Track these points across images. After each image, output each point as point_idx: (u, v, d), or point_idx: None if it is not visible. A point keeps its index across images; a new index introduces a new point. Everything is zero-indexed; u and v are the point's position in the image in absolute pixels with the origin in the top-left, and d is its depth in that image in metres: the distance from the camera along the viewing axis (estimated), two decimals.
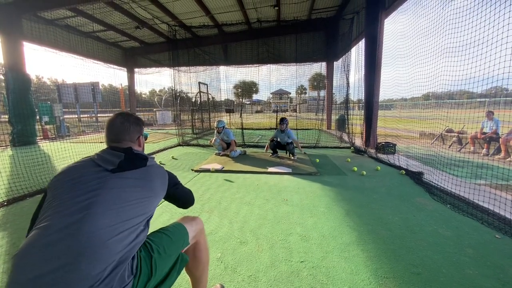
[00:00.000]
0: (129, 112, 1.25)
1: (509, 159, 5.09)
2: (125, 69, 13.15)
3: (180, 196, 1.28)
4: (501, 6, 2.73)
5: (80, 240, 0.76)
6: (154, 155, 5.89)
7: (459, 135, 6.86)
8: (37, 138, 8.34)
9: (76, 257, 0.74)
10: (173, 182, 1.21)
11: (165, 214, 2.60)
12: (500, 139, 5.40)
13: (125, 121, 1.13)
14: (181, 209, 2.69)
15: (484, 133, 5.91)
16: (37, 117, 9.17)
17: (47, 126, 10.18)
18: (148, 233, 1.05)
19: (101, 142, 8.27)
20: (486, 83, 3.08)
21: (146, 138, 1.32)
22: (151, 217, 1.03)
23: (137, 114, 14.27)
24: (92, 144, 7.62)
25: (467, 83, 3.30)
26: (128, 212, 0.89)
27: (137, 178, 0.99)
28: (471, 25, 3.17)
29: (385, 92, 6.19)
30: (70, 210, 0.82)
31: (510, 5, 2.62)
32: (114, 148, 1.05)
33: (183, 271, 1.24)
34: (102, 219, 0.82)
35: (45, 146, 7.25)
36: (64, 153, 5.44)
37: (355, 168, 4.32)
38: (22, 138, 7.43)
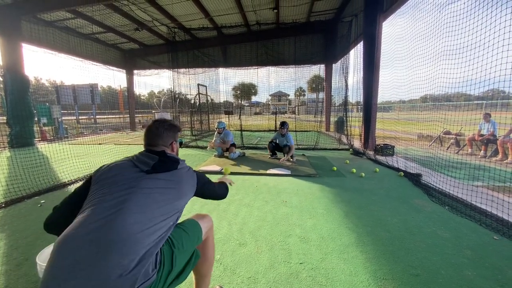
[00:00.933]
0: (166, 119, 1.34)
1: (506, 161, 5.12)
2: (124, 70, 13.13)
3: (209, 194, 1.39)
4: (497, 10, 2.76)
5: (113, 231, 0.84)
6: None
7: (457, 137, 6.89)
8: (35, 139, 8.30)
9: (108, 247, 0.81)
10: (201, 183, 1.30)
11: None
12: (498, 141, 5.44)
13: (160, 126, 1.24)
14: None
15: (482, 135, 5.94)
16: (35, 119, 9.14)
17: (45, 128, 10.14)
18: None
19: (99, 144, 8.25)
20: (483, 86, 3.12)
21: (181, 144, 1.40)
22: (179, 218, 1.11)
23: (136, 115, 14.21)
24: (91, 146, 7.61)
25: (465, 85, 3.33)
26: (156, 210, 0.97)
27: (168, 179, 1.08)
28: (468, 28, 3.20)
29: (383, 94, 6.23)
30: (108, 204, 0.92)
31: (506, 8, 2.66)
32: (149, 151, 1.16)
33: None
34: (133, 214, 0.90)
35: (43, 147, 7.22)
36: (62, 154, 5.43)
37: (354, 170, 4.33)
38: (20, 139, 7.39)
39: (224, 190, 1.53)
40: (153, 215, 0.95)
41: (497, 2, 2.78)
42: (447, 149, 6.92)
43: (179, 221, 1.21)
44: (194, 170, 1.29)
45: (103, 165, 1.11)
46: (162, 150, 1.18)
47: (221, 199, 1.51)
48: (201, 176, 1.32)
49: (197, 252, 1.19)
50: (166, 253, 0.98)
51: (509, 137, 5.27)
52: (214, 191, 1.43)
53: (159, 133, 1.22)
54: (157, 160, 1.10)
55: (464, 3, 3.31)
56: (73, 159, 5.01)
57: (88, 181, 1.07)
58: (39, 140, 8.94)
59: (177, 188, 1.09)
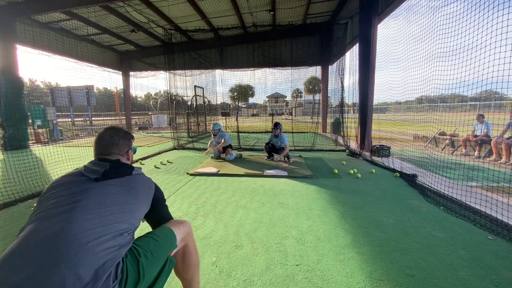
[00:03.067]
0: (118, 126, 1.29)
1: (500, 161, 5.18)
2: (120, 72, 13.07)
3: (161, 212, 1.24)
4: (489, 12, 2.80)
5: (60, 243, 0.77)
6: (143, 160, 5.84)
7: (452, 138, 6.96)
8: (29, 142, 8.21)
9: (56, 261, 0.73)
10: (159, 193, 1.23)
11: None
12: (491, 141, 5.50)
13: (114, 135, 1.18)
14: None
15: (476, 136, 6.01)
16: (30, 121, 9.03)
17: (40, 130, 10.02)
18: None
19: None
20: (477, 87, 3.15)
21: (135, 152, 1.35)
22: (135, 229, 1.02)
23: (132, 117, 14.14)
24: (86, 148, 7.54)
25: (459, 86, 3.37)
26: (110, 217, 0.90)
27: (121, 185, 1.02)
28: (462, 30, 3.24)
29: (379, 96, 6.32)
30: (51, 216, 0.84)
31: (499, 11, 2.70)
32: (101, 159, 1.10)
33: (174, 275, 1.26)
34: (82, 223, 0.83)
35: (38, 150, 7.14)
36: (57, 157, 5.37)
37: (351, 171, 4.34)
38: (14, 142, 7.30)
39: (169, 217, 1.28)
40: (105, 223, 0.88)
41: (489, 5, 2.83)
42: (442, 150, 6.99)
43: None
44: (153, 182, 1.22)
45: (51, 182, 1.04)
46: (117, 159, 1.13)
47: (161, 223, 1.23)
48: (159, 188, 1.24)
49: (171, 259, 1.13)
50: (130, 263, 0.91)
51: (502, 138, 5.33)
52: (166, 212, 1.27)
53: (113, 141, 1.16)
54: (108, 166, 1.04)
55: (457, 5, 3.36)
56: (68, 162, 4.96)
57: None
58: (33, 143, 8.85)
59: (131, 194, 1.03)
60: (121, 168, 1.08)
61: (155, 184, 1.23)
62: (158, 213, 1.24)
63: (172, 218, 1.30)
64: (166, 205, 1.30)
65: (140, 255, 0.97)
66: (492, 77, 2.71)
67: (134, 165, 1.20)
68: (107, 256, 0.82)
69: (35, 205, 2.95)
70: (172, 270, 1.18)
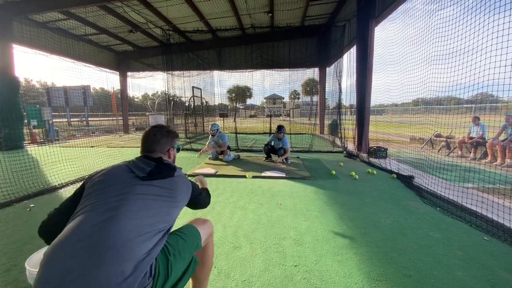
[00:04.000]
0: (164, 125, 1.33)
1: (495, 163, 5.24)
2: (118, 72, 13.01)
3: (198, 204, 1.40)
4: (485, 16, 2.85)
5: (106, 238, 0.81)
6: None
7: (448, 139, 7.04)
8: (25, 142, 8.13)
9: (102, 254, 0.78)
10: (195, 192, 1.30)
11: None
12: (487, 143, 5.57)
13: (158, 133, 1.23)
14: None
15: (471, 138, 6.08)
16: (25, 121, 8.95)
17: (36, 130, 9.92)
18: None
19: (91, 146, 8.11)
20: (472, 90, 3.19)
21: (178, 150, 1.39)
22: (172, 226, 1.07)
23: (129, 118, 14.05)
24: (83, 149, 7.47)
25: (455, 89, 3.41)
26: (151, 217, 0.95)
27: (164, 187, 1.06)
28: (458, 33, 3.29)
29: (376, 98, 6.33)
30: (101, 210, 0.89)
31: (494, 15, 2.74)
32: (146, 157, 1.15)
33: None
34: (127, 220, 0.88)
35: (33, 150, 7.07)
36: (53, 157, 5.32)
37: (353, 173, 4.32)
38: (9, 142, 7.22)
39: (209, 198, 1.53)
40: (147, 222, 0.92)
41: (485, 9, 2.87)
42: (438, 151, 7.06)
43: (177, 227, 1.20)
44: (190, 180, 1.28)
45: (100, 170, 1.09)
46: (159, 157, 1.17)
47: (204, 207, 1.49)
48: (195, 186, 1.32)
49: (195, 259, 1.16)
50: (161, 261, 0.95)
51: (498, 140, 5.40)
52: (204, 200, 1.44)
53: (156, 139, 1.21)
54: (154, 166, 1.09)
55: (453, 9, 3.41)
56: (64, 162, 4.92)
57: (83, 186, 1.05)
58: (29, 143, 8.75)
59: (172, 196, 1.08)
60: (164, 169, 1.11)
61: (192, 184, 1.28)
62: (195, 205, 1.38)
63: (208, 196, 1.50)
64: (201, 193, 1.39)
65: (170, 253, 1.00)
66: (488, 80, 2.75)
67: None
68: (147, 253, 0.86)
69: (32, 205, 2.93)
70: None
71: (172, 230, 1.11)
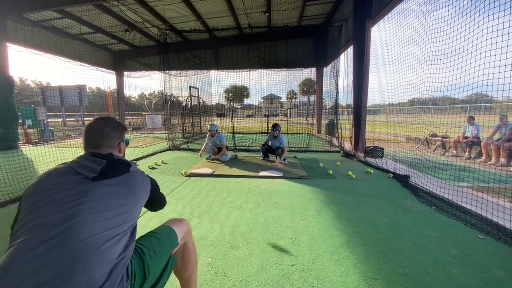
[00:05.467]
0: (109, 117, 1.19)
1: (489, 162, 5.31)
2: (114, 72, 12.91)
3: (159, 200, 1.32)
4: (479, 16, 2.88)
5: (70, 249, 0.74)
6: (136, 162, 5.77)
7: (443, 139, 7.10)
8: (19, 142, 8.03)
9: (69, 267, 0.72)
10: (155, 187, 1.23)
11: (154, 219, 2.55)
12: (481, 143, 5.64)
13: (105, 126, 1.10)
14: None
15: (466, 138, 6.15)
16: (20, 121, 8.84)
17: (30, 130, 9.82)
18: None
19: None
20: (467, 90, 3.23)
21: (127, 144, 1.28)
22: (136, 226, 1.00)
23: (125, 118, 13.96)
24: (78, 149, 7.41)
25: (450, 89, 3.45)
26: (114, 219, 0.88)
27: (120, 184, 0.97)
28: (452, 34, 3.32)
29: (373, 98, 6.37)
30: (53, 221, 0.79)
31: (489, 16, 2.77)
32: (94, 155, 1.02)
33: (172, 274, 1.24)
34: (89, 227, 0.80)
35: (28, 150, 6.98)
36: (48, 157, 5.26)
37: (350, 173, 4.34)
38: (4, 142, 7.12)
39: (165, 200, 1.41)
40: (111, 225, 0.85)
41: (479, 10, 2.90)
42: (433, 151, 7.12)
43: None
44: (149, 176, 1.20)
45: (34, 180, 0.95)
46: (108, 153, 1.05)
47: (161, 209, 1.39)
48: (154, 182, 1.23)
49: (173, 257, 1.13)
50: (136, 263, 0.92)
51: (492, 139, 5.47)
52: (163, 198, 1.36)
53: (104, 133, 1.08)
54: (105, 164, 0.98)
55: (448, 10, 3.44)
56: (59, 162, 4.86)
57: (19, 207, 0.89)
58: (24, 143, 8.65)
59: (131, 193, 1.00)
60: (118, 166, 1.01)
61: (150, 178, 1.20)
62: (155, 204, 1.30)
63: (164, 197, 1.37)
64: (160, 194, 1.32)
65: (144, 254, 0.97)
66: (483, 80, 2.78)
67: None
68: (118, 257, 0.82)
69: None
70: None
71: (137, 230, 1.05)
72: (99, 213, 0.85)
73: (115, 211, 0.89)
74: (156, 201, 1.29)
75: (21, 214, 0.84)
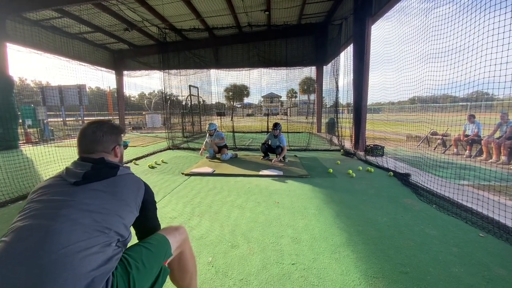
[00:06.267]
0: (103, 120, 1.16)
1: (490, 160, 5.30)
2: (113, 71, 12.89)
3: (151, 217, 1.16)
4: (480, 14, 2.86)
5: (40, 262, 0.69)
6: (136, 161, 5.76)
7: (443, 137, 7.09)
8: (19, 142, 8.02)
9: (38, 282, 0.66)
10: (150, 198, 1.12)
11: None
12: (482, 141, 5.62)
13: (97, 130, 1.06)
14: (168, 220, 2.65)
15: (467, 136, 6.13)
16: (20, 121, 8.84)
17: (30, 130, 9.81)
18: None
19: None
20: (468, 88, 3.22)
21: (126, 147, 1.24)
22: (127, 234, 0.95)
23: (125, 117, 13.96)
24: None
25: (450, 87, 3.43)
26: (94, 226, 0.82)
27: (104, 189, 0.93)
28: (453, 32, 3.30)
29: (373, 96, 6.38)
30: (29, 232, 0.75)
31: (489, 13, 2.76)
32: (83, 159, 1.00)
33: (170, 282, 1.22)
34: (65, 236, 0.75)
35: (28, 150, 6.98)
36: (48, 157, 5.26)
37: (350, 171, 4.33)
38: (3, 142, 7.13)
39: (158, 224, 1.22)
40: (90, 234, 0.79)
41: (480, 7, 2.89)
42: (434, 149, 7.11)
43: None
44: (145, 182, 1.13)
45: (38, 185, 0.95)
46: (101, 157, 1.02)
47: (153, 232, 1.15)
48: (150, 189, 1.14)
49: (165, 268, 1.05)
50: (120, 276, 0.84)
51: (493, 137, 5.46)
52: (155, 220, 1.20)
53: (96, 138, 1.04)
54: (90, 167, 0.95)
55: (449, 7, 3.43)
56: (60, 162, 4.87)
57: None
58: (24, 143, 8.65)
59: (116, 198, 0.94)
60: (103, 169, 0.97)
61: (145, 184, 1.12)
62: (146, 219, 1.12)
63: (160, 228, 1.20)
64: (156, 212, 1.19)
65: (131, 266, 0.88)
66: (483, 78, 2.77)
67: (128, 165, 1.13)
68: (96, 270, 0.75)
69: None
70: (168, 278, 1.13)
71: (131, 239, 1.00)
72: (78, 220, 0.80)
73: (95, 218, 0.84)
74: (149, 216, 1.14)
75: (18, 216, 0.84)
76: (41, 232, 0.75)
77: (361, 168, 4.63)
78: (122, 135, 1.17)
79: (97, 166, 0.97)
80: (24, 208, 0.86)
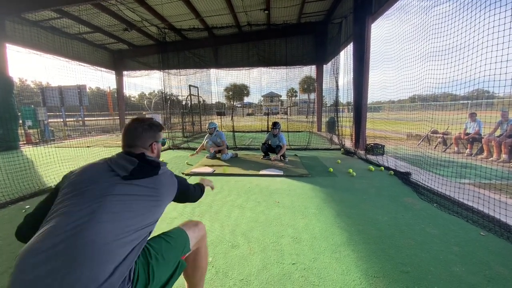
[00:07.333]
0: (146, 117, 1.24)
1: (491, 158, 5.28)
2: (113, 71, 12.88)
3: (185, 199, 1.33)
4: (481, 12, 2.85)
5: (80, 243, 0.77)
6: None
7: (444, 136, 7.07)
8: (20, 143, 8.03)
9: (74, 260, 0.74)
10: (181, 188, 1.23)
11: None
12: (483, 139, 5.61)
13: (139, 126, 1.14)
14: (168, 220, 2.65)
15: (467, 134, 6.12)
16: (20, 121, 8.84)
17: (30, 131, 9.82)
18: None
19: (87, 147, 8.06)
20: (468, 86, 3.20)
21: (163, 144, 1.31)
22: (153, 228, 1.02)
23: (126, 117, 13.98)
24: (79, 149, 7.41)
25: (451, 85, 3.42)
26: (133, 219, 0.90)
27: (147, 186, 1.00)
28: (453, 30, 3.29)
29: (373, 95, 6.38)
30: (76, 213, 0.84)
31: (490, 11, 2.74)
32: (128, 153, 1.07)
33: (181, 276, 1.23)
34: (106, 223, 0.83)
35: (28, 151, 6.99)
36: (48, 158, 5.26)
37: (351, 170, 4.32)
38: (4, 143, 7.13)
39: (199, 192, 1.46)
40: (126, 225, 0.87)
41: (481, 5, 2.87)
42: (434, 147, 7.09)
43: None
44: (176, 175, 1.22)
45: (76, 169, 1.02)
46: (141, 153, 1.09)
47: (194, 202, 1.43)
48: (181, 182, 1.25)
49: (182, 263, 1.10)
50: (141, 264, 0.91)
51: (493, 136, 5.44)
52: (191, 195, 1.37)
53: (137, 133, 1.13)
54: (137, 164, 1.02)
55: (449, 5, 3.41)
56: (60, 163, 4.86)
57: (57, 187, 0.99)
58: (24, 144, 8.65)
59: (156, 196, 1.02)
60: (147, 167, 1.05)
61: (177, 180, 1.21)
62: (185, 197, 1.32)
63: (197, 189, 1.42)
64: (189, 188, 1.33)
65: (151, 257, 0.96)
66: (484, 76, 2.76)
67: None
68: (124, 256, 0.83)
69: (27, 207, 2.90)
70: None
71: (154, 231, 1.07)
72: (120, 211, 0.88)
73: (135, 212, 0.92)
74: (183, 198, 1.31)
75: (58, 199, 0.91)
76: (87, 217, 0.83)
77: (372, 168, 4.57)
78: (160, 132, 1.23)
79: (142, 164, 1.04)
80: (72, 189, 0.91)
